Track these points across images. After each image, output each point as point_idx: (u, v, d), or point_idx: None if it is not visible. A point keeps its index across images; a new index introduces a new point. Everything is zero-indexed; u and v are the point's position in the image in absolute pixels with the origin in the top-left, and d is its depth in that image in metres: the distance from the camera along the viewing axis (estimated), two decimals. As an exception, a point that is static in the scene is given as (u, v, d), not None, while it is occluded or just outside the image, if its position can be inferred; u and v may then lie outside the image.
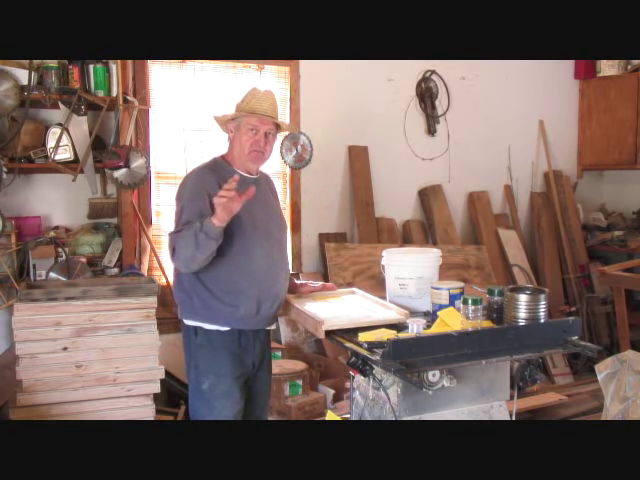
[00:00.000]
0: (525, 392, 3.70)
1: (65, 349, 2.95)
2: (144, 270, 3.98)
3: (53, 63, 3.58)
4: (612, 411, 3.04)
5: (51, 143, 3.59)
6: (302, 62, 4.49)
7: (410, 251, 3.21)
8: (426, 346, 2.09)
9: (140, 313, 3.06)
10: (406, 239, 4.90)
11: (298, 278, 3.96)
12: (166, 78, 4.17)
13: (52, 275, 3.55)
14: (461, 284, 2.47)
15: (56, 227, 3.82)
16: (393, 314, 2.44)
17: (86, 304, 3.01)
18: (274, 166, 4.40)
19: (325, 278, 4.39)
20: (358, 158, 4.74)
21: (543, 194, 5.55)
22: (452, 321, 2.27)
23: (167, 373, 3.26)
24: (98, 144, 3.78)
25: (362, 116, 4.74)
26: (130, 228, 3.86)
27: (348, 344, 2.25)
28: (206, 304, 2.49)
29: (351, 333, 2.30)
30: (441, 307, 2.39)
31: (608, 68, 5.48)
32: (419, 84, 4.97)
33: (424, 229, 5.02)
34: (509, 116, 5.36)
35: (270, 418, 3.42)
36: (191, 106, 4.23)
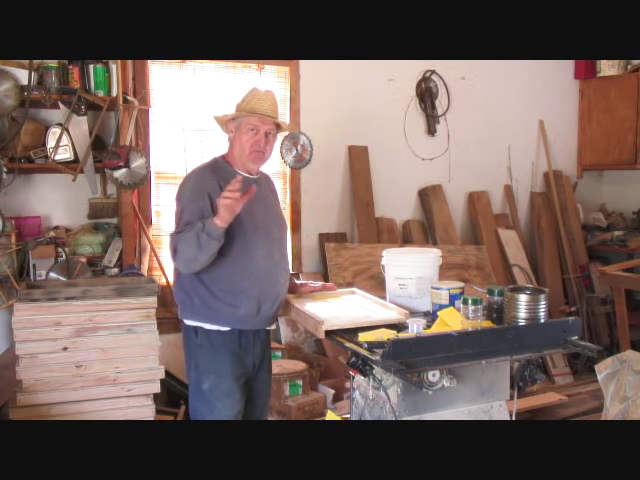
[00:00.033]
0: (525, 392, 3.70)
1: (65, 349, 2.95)
2: (144, 270, 3.98)
3: (53, 63, 3.58)
4: (612, 411, 3.04)
5: (51, 143, 3.60)
6: (302, 62, 4.49)
7: (410, 251, 3.22)
8: (426, 346, 2.09)
9: (140, 313, 3.06)
10: (406, 239, 4.90)
11: (298, 278, 3.96)
12: (166, 78, 4.17)
13: (52, 275, 3.55)
14: (461, 284, 2.47)
15: (56, 227, 3.82)
16: (393, 314, 2.44)
17: (86, 304, 3.01)
18: (274, 166, 4.40)
19: (325, 278, 4.39)
20: (358, 158, 4.74)
21: (543, 194, 5.55)
22: (452, 321, 2.27)
23: (167, 373, 3.26)
24: (98, 144, 3.78)
25: (362, 116, 4.74)
26: (130, 228, 3.86)
27: (348, 344, 2.25)
28: (206, 304, 2.49)
29: (351, 333, 2.30)
30: (441, 307, 2.39)
31: (608, 68, 5.48)
32: (419, 84, 4.97)
33: (424, 229, 5.02)
34: (509, 116, 5.36)
35: (270, 418, 3.42)
36: (191, 106, 4.23)
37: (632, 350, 3.18)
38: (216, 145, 3.99)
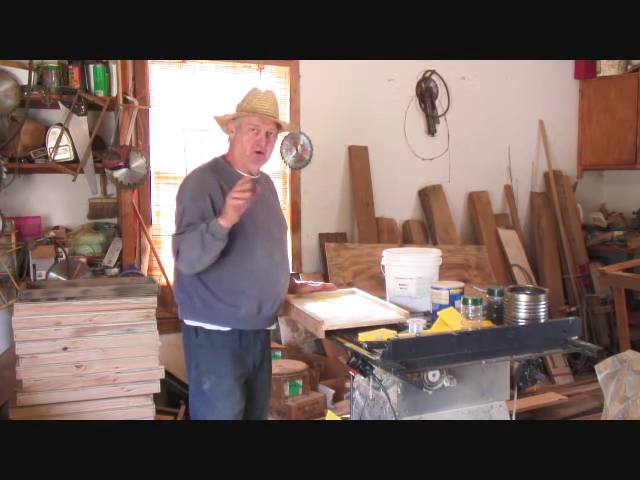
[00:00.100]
0: (525, 392, 3.70)
1: (65, 349, 2.95)
2: (144, 270, 3.98)
3: (53, 63, 3.58)
4: (612, 411, 3.04)
5: (51, 143, 3.60)
6: (302, 62, 4.49)
7: (410, 251, 3.22)
8: (426, 346, 2.09)
9: (140, 313, 3.06)
10: (406, 239, 4.90)
11: (298, 278, 3.96)
12: (166, 78, 4.17)
13: (52, 275, 3.55)
14: (461, 284, 2.47)
15: (56, 227, 3.82)
16: (393, 314, 2.44)
17: (86, 304, 3.01)
18: (274, 166, 4.40)
19: (325, 278, 4.39)
20: (358, 158, 4.74)
21: (543, 194, 5.55)
22: (452, 321, 2.27)
23: (167, 373, 3.26)
24: (98, 144, 3.78)
25: (362, 116, 4.74)
26: (130, 228, 3.86)
27: (348, 344, 2.25)
28: (207, 304, 2.49)
29: (351, 333, 2.29)
30: (441, 307, 2.39)
31: (608, 68, 5.48)
32: (419, 84, 4.97)
33: (424, 229, 5.02)
34: (509, 116, 5.36)
35: (270, 418, 3.42)
36: (191, 106, 4.22)
37: (632, 350, 3.18)
38: (216, 145, 3.99)
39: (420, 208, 5.05)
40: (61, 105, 3.63)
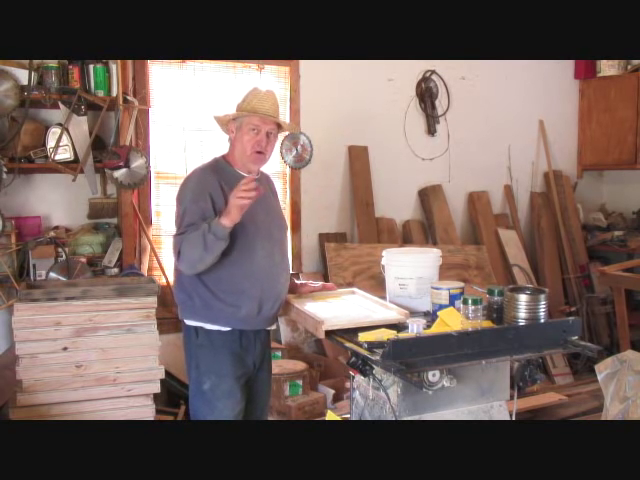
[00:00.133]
0: (525, 392, 3.70)
1: (65, 349, 2.95)
2: (144, 270, 3.98)
3: (53, 63, 3.58)
4: (612, 411, 3.04)
5: (51, 143, 3.60)
6: (302, 62, 4.49)
7: (410, 251, 3.21)
8: (426, 346, 2.09)
9: (140, 313, 3.06)
10: (406, 239, 4.90)
11: (298, 278, 3.96)
12: (166, 78, 4.17)
13: (52, 275, 3.55)
14: (461, 284, 2.47)
15: (56, 227, 3.82)
16: (393, 314, 2.44)
17: (86, 304, 3.01)
18: (274, 166, 4.40)
19: (325, 278, 4.39)
20: (358, 158, 4.74)
21: (543, 194, 5.55)
22: (452, 321, 2.27)
23: (167, 373, 3.26)
24: (98, 144, 3.78)
25: (362, 116, 4.74)
26: (130, 228, 3.86)
27: (348, 344, 2.25)
28: (207, 304, 2.49)
29: (351, 333, 2.29)
30: (441, 307, 2.39)
31: (608, 68, 5.48)
32: (419, 84, 4.97)
33: (424, 229, 5.02)
34: (509, 116, 5.36)
35: (270, 418, 3.42)
36: (191, 106, 4.23)
37: (632, 350, 3.18)
38: (216, 145, 3.99)
39: (420, 208, 5.05)
40: (61, 105, 3.63)
